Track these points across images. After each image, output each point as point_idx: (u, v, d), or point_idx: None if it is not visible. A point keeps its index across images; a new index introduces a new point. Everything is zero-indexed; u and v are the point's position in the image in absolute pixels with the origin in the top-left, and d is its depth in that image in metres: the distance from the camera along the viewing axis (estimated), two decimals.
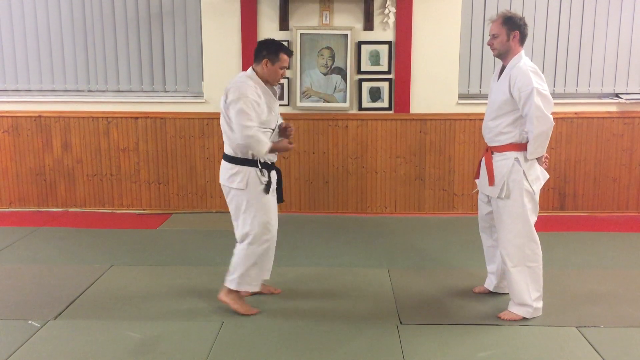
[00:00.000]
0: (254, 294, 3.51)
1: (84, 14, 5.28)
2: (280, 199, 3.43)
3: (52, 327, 3.15)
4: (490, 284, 3.58)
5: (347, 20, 5.13)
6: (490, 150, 3.29)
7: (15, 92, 5.43)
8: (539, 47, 5.25)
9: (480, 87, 5.30)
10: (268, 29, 5.14)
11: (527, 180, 3.15)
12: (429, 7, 5.10)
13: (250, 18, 5.11)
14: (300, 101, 5.20)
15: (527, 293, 3.20)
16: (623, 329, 3.14)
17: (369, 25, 5.11)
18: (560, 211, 5.43)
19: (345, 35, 5.09)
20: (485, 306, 3.42)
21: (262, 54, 3.25)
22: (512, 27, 3.15)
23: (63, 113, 5.34)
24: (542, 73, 3.18)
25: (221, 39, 5.18)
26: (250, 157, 3.22)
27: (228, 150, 3.27)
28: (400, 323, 3.20)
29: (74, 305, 3.43)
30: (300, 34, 5.10)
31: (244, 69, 5.15)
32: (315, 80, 5.18)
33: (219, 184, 3.40)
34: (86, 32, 5.30)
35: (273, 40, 3.32)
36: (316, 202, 5.41)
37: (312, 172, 5.37)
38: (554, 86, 5.28)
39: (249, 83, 3.21)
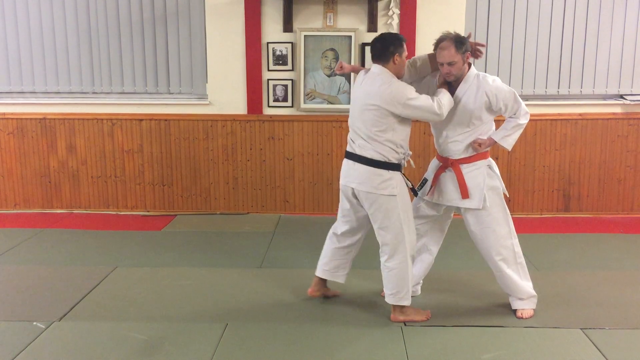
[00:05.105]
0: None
1: (89, 16, 5.30)
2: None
3: (56, 329, 3.16)
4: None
5: (351, 22, 5.13)
6: (454, 163, 3.22)
7: (20, 94, 5.45)
8: (543, 49, 5.22)
9: None
10: (272, 30, 5.15)
11: (500, 181, 3.24)
12: (432, 9, 5.10)
13: (254, 20, 5.12)
14: (304, 103, 5.21)
15: (526, 285, 3.29)
16: (629, 331, 3.13)
17: (372, 27, 5.11)
18: (565, 213, 5.41)
19: (349, 37, 5.09)
20: (489, 308, 3.42)
21: (390, 50, 3.11)
22: (465, 49, 3.09)
23: (68, 115, 5.35)
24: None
25: (225, 41, 5.19)
26: (396, 162, 3.15)
27: (374, 155, 3.12)
28: (404, 325, 3.20)
29: (78, 306, 3.44)
30: (304, 35, 5.10)
31: (248, 70, 5.16)
32: (319, 81, 5.18)
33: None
34: (91, 34, 5.32)
35: (388, 33, 3.24)
36: (320, 203, 5.41)
37: (316, 174, 5.36)
38: (559, 87, 5.25)
39: (393, 78, 3.12)
